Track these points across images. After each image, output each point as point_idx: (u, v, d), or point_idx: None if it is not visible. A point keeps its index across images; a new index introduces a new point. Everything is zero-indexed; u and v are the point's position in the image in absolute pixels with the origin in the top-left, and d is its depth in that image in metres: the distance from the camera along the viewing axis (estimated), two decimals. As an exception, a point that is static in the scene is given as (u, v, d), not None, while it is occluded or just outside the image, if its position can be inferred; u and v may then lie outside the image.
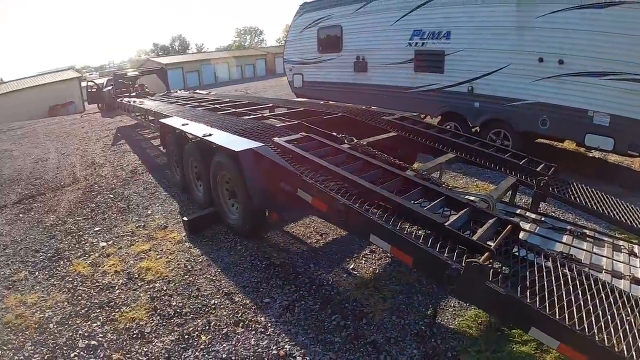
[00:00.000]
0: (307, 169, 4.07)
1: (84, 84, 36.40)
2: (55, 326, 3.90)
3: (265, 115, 7.42)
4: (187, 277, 4.57)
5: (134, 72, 19.53)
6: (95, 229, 6.02)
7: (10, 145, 13.75)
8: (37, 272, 4.97)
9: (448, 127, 8.11)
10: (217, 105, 9.03)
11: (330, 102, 8.52)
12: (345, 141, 5.00)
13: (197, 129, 5.96)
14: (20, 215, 6.94)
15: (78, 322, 3.94)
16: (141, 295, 4.28)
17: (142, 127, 13.12)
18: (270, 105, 8.90)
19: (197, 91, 15.00)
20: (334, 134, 5.22)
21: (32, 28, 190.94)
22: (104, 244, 5.54)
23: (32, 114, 28.57)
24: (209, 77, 50.98)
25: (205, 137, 5.35)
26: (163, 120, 7.19)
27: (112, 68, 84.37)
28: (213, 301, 4.12)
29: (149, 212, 6.52)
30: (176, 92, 16.07)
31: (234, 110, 8.11)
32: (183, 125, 6.39)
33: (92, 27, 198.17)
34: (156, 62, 47.54)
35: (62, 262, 5.13)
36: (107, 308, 4.11)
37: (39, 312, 4.15)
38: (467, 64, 8.84)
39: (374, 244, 3.37)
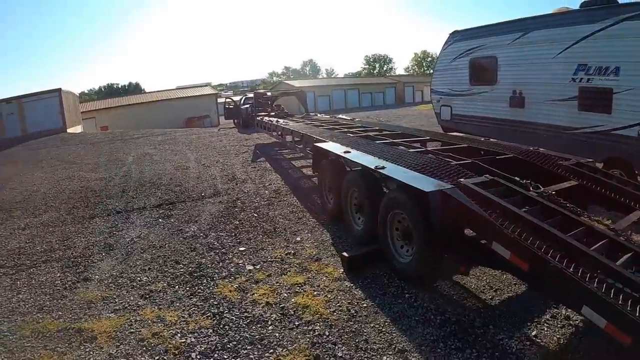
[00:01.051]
0: (504, 219, 3.76)
1: (220, 100, 39.67)
2: (198, 357, 3.60)
3: (429, 149, 6.98)
4: (351, 323, 4.08)
5: (272, 92, 20.40)
6: (240, 249, 5.85)
7: (151, 150, 14.81)
8: (176, 286, 4.85)
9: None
10: (370, 133, 8.86)
11: (492, 140, 8.06)
12: (530, 188, 4.59)
13: (365, 159, 5.74)
14: (160, 220, 7.08)
15: (225, 357, 3.60)
16: (299, 337, 3.85)
17: (281, 146, 13.44)
18: (426, 138, 8.51)
19: (340, 116, 15.02)
20: (517, 178, 4.80)
21: (171, 44, 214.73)
22: (251, 267, 5.29)
23: (169, 124, 31.41)
24: (339, 102, 52.58)
25: (378, 169, 5.09)
26: (320, 145, 7.10)
27: (245, 87, 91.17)
28: (385, 358, 3.58)
29: (298, 238, 6.22)
30: (316, 115, 16.31)
31: (391, 140, 7.82)
32: (345, 152, 6.21)
33: (227, 47, 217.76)
34: (290, 84, 50.15)
35: (205, 280, 4.96)
36: (260, 346, 3.73)
37: (179, 334, 3.92)
38: (638, 104, 7.93)
39: (585, 316, 3.09)
